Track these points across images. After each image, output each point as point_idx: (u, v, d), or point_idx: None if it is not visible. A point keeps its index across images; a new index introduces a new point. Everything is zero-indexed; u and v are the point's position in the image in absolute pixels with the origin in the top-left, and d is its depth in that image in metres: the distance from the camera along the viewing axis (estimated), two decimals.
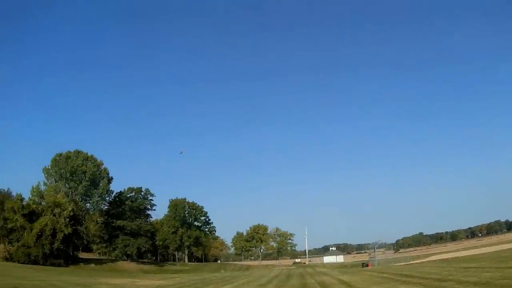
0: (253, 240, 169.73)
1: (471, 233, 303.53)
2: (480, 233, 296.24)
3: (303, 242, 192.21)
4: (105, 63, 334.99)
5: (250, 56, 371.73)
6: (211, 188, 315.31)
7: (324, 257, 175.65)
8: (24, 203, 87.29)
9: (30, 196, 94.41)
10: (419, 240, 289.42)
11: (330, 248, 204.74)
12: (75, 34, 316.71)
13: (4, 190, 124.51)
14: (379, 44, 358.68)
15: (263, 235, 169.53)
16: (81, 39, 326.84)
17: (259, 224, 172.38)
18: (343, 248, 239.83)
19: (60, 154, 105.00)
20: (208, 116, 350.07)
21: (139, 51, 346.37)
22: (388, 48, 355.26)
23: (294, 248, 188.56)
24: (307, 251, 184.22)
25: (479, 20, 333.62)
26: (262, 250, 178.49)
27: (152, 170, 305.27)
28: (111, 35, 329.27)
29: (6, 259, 78.56)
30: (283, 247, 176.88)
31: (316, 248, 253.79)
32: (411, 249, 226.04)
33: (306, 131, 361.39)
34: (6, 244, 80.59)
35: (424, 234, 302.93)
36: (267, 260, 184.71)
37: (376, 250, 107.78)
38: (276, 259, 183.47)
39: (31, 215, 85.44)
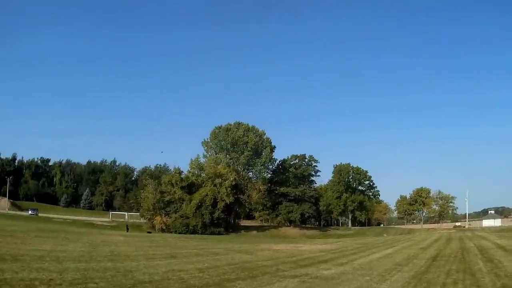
0: (416, 204, 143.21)
1: None
2: None
3: (463, 205, 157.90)
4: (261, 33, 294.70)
5: None
6: (375, 152, 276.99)
7: (483, 221, 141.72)
8: (182, 176, 76.68)
9: (189, 169, 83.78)
10: None
11: (489, 212, 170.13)
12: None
13: (160, 165, 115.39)
14: None
15: (425, 198, 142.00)
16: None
17: (422, 187, 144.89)
18: (501, 212, 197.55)
19: (220, 127, 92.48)
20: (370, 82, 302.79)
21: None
22: None
23: (454, 212, 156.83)
24: (467, 214, 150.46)
25: None
26: (424, 214, 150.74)
27: (316, 137, 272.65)
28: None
29: (163, 231, 68.09)
30: (444, 210, 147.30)
31: (475, 212, 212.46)
32: None
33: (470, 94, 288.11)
34: (163, 216, 70.08)
35: None
36: (428, 224, 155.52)
37: None
38: (437, 222, 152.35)
39: (190, 187, 75.21)
